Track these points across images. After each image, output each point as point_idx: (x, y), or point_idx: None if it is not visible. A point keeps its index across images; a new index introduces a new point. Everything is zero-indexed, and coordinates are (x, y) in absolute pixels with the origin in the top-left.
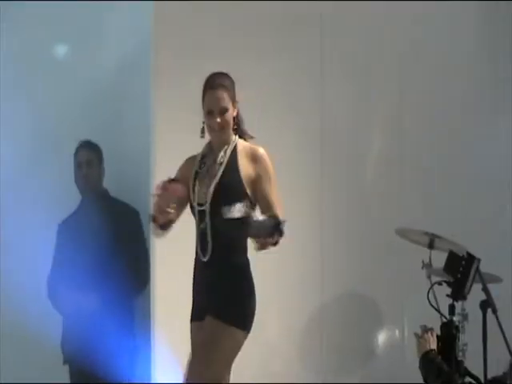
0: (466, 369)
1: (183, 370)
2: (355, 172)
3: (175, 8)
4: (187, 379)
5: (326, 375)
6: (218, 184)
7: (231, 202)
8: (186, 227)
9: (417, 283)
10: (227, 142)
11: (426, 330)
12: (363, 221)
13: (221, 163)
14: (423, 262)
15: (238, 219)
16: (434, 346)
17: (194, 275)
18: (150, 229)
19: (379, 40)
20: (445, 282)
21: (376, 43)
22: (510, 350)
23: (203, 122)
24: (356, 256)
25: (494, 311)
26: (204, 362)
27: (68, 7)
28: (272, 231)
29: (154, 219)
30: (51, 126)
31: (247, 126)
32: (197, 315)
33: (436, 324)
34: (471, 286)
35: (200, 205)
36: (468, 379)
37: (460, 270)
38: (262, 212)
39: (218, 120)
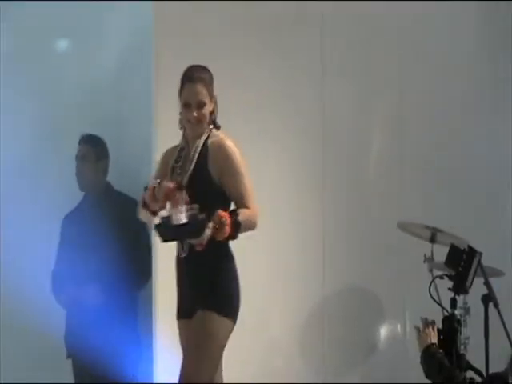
0: (468, 363)
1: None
2: (356, 171)
3: (175, 8)
4: (183, 377)
5: (328, 371)
6: (190, 178)
7: (202, 197)
8: None
9: (418, 277)
10: (201, 136)
11: (427, 323)
12: (364, 217)
13: (192, 159)
14: (425, 255)
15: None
16: (434, 339)
17: (177, 272)
18: (143, 217)
19: (379, 40)
20: (446, 275)
21: (376, 43)
22: (511, 344)
23: (180, 114)
24: (357, 251)
25: (496, 305)
26: (198, 358)
27: (68, 7)
28: (194, 232)
29: (145, 204)
30: (52, 124)
31: (247, 126)
32: (183, 312)
33: (438, 318)
34: (473, 279)
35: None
36: (470, 373)
37: (461, 264)
38: (236, 204)
39: (195, 114)
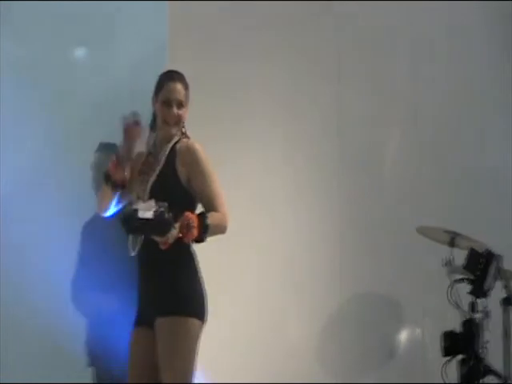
0: (487, 366)
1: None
2: (373, 170)
3: (190, 11)
4: None
5: (345, 375)
6: (156, 182)
7: (169, 200)
8: None
9: (437, 281)
10: (172, 140)
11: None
12: (382, 220)
13: (160, 160)
14: (444, 259)
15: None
16: None
17: (139, 274)
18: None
19: (394, 37)
20: (465, 279)
21: (391, 40)
22: None
23: (153, 115)
24: (374, 254)
25: None
26: (171, 368)
27: (82, 7)
28: (159, 230)
29: (109, 176)
30: (66, 127)
31: (263, 126)
32: (143, 319)
33: (458, 322)
34: (491, 283)
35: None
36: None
37: (479, 267)
38: (204, 208)
39: (175, 112)
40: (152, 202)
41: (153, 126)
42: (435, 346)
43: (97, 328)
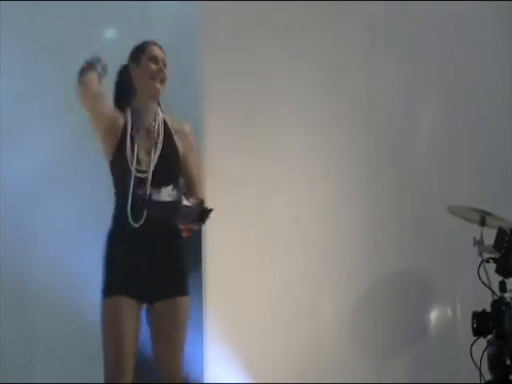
0: None
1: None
2: (406, 155)
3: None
4: (166, 368)
5: (377, 357)
6: (160, 154)
7: (169, 174)
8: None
9: (469, 261)
10: (157, 112)
11: None
12: (414, 199)
13: (158, 133)
14: (474, 239)
15: (167, 202)
16: None
17: (125, 247)
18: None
19: (428, 26)
20: (492, 258)
21: (424, 30)
22: None
23: (125, 84)
24: (407, 236)
25: None
26: (176, 347)
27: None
28: (199, 218)
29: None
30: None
31: (295, 114)
32: (134, 290)
33: (489, 301)
34: None
35: (141, 172)
36: None
37: (504, 246)
38: (187, 189)
39: (162, 69)
40: (170, 188)
41: (124, 101)
42: (467, 325)
43: None
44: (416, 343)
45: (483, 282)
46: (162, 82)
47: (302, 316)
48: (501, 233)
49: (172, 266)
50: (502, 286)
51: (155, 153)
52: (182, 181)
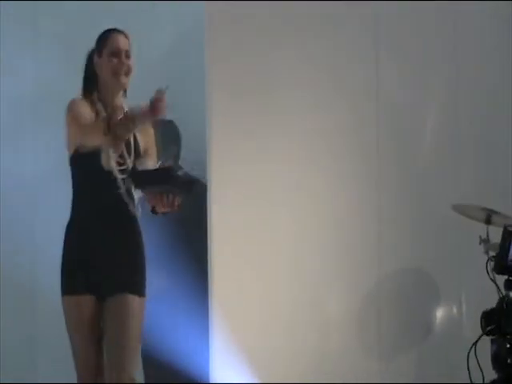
0: None
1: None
2: (411, 152)
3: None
4: (115, 368)
5: (383, 351)
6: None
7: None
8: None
9: (474, 259)
10: (121, 106)
11: None
12: (420, 197)
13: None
14: (480, 237)
15: (156, 170)
16: None
17: (80, 237)
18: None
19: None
20: (494, 257)
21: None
22: None
23: (91, 74)
24: (413, 232)
25: None
26: (126, 346)
27: None
28: (187, 187)
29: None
30: None
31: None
32: (86, 286)
33: (494, 299)
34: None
35: (120, 164)
36: None
37: (501, 244)
38: None
39: (125, 62)
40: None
41: (90, 88)
42: (472, 325)
43: (156, 304)
44: (420, 343)
45: (492, 279)
46: (127, 74)
47: (308, 309)
48: (505, 231)
49: (125, 261)
50: (508, 285)
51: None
52: None
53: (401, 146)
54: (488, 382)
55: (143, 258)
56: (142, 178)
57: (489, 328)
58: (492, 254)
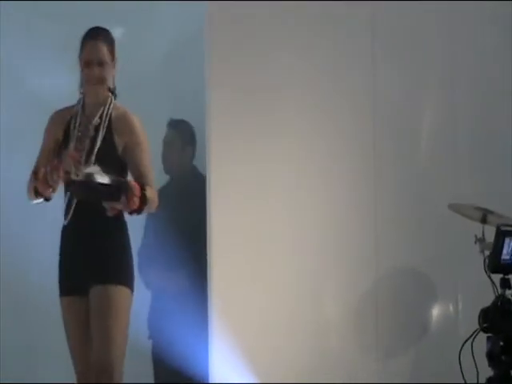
0: None
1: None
2: (408, 153)
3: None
4: (98, 362)
5: (380, 352)
6: (92, 148)
7: (108, 170)
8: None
9: (471, 259)
10: (104, 102)
11: None
12: (417, 197)
13: (97, 128)
14: (476, 236)
15: (85, 182)
16: None
17: (64, 244)
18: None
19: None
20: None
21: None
22: None
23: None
24: (409, 232)
25: None
26: (109, 337)
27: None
28: (113, 196)
29: (38, 193)
30: None
31: (297, 114)
32: (73, 289)
33: (490, 298)
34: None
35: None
36: None
37: (494, 243)
38: (135, 180)
39: (96, 71)
40: (97, 167)
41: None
42: (468, 324)
43: (161, 302)
44: (417, 343)
45: (489, 277)
46: (100, 83)
47: (306, 309)
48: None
49: (111, 260)
50: (504, 283)
51: (93, 153)
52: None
53: (398, 146)
54: (484, 380)
55: (128, 256)
56: (73, 190)
57: (484, 325)
58: (487, 253)
